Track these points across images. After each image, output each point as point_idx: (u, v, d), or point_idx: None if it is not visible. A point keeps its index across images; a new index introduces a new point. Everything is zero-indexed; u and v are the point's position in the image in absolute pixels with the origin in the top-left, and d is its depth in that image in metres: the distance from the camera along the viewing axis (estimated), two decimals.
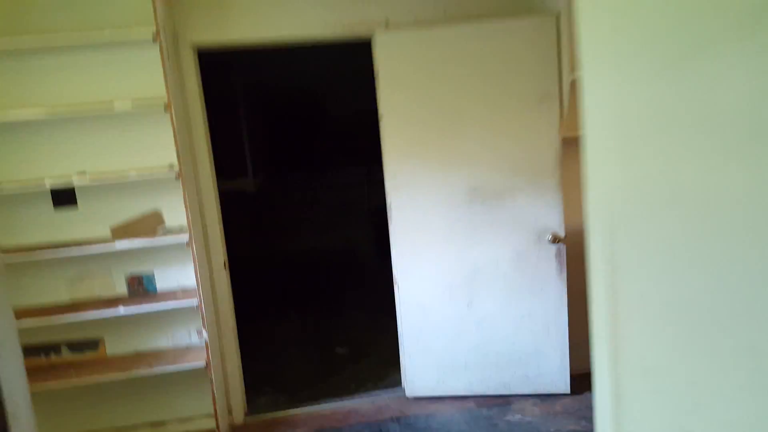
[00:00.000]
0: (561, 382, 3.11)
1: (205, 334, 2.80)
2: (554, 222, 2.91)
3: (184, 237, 2.72)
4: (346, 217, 6.74)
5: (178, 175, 2.65)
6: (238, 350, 3.29)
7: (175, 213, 2.86)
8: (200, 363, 2.81)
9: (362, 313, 5.01)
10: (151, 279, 3.00)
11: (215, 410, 2.86)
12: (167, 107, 2.59)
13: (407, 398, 3.33)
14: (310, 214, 6.69)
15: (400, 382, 3.43)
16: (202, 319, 2.79)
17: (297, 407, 3.36)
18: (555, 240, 2.89)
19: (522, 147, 2.84)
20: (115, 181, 2.71)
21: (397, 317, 3.20)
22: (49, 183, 2.64)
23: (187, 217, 2.68)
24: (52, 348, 2.97)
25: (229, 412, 3.23)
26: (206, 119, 3.03)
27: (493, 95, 2.80)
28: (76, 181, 2.66)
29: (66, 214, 2.88)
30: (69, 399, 3.00)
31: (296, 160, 6.79)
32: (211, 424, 3.00)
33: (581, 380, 3.17)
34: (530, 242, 2.94)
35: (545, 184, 2.87)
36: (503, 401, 3.21)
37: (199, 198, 3.01)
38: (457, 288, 3.03)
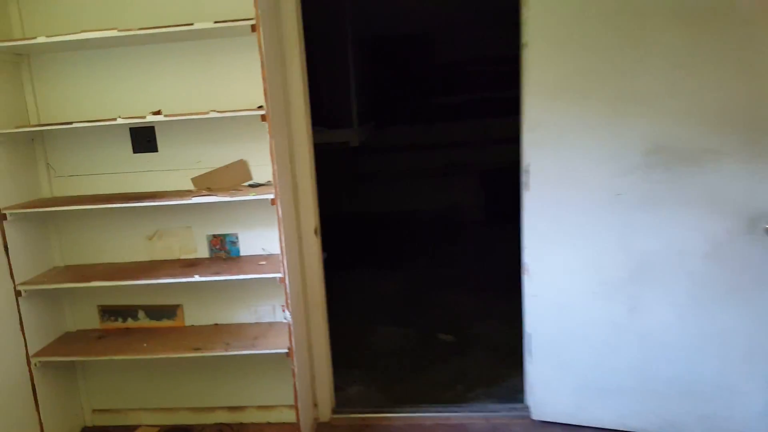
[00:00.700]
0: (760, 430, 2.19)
1: (288, 314, 2.29)
2: None
3: (271, 193, 2.21)
4: (457, 179, 5.94)
5: (265, 116, 2.13)
6: (328, 334, 2.76)
7: (264, 166, 2.36)
8: (282, 349, 2.31)
9: (470, 294, 4.25)
10: (234, 241, 2.55)
11: (296, 404, 2.36)
12: (254, 28, 2.06)
13: (533, 421, 2.59)
14: (418, 173, 5.97)
15: (522, 396, 2.70)
16: (286, 296, 2.28)
17: (392, 410, 2.77)
18: None
19: (736, 87, 1.93)
20: (194, 119, 2.25)
21: (523, 312, 2.46)
22: (122, 120, 2.25)
23: (273, 170, 2.16)
24: (130, 312, 2.65)
25: (315, 405, 2.73)
26: (303, 52, 2.48)
27: (693, 7, 1.93)
28: (151, 119, 2.24)
29: (145, 160, 2.51)
30: (143, 367, 2.68)
31: (405, 111, 6.04)
32: (293, 416, 2.51)
33: None
34: (736, 230, 2.03)
35: (763, 144, 1.95)
36: None
37: (290, 148, 2.48)
38: (616, 286, 2.21)
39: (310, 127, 2.53)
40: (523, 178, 2.27)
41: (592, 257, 2.21)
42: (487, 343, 3.44)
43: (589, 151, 2.13)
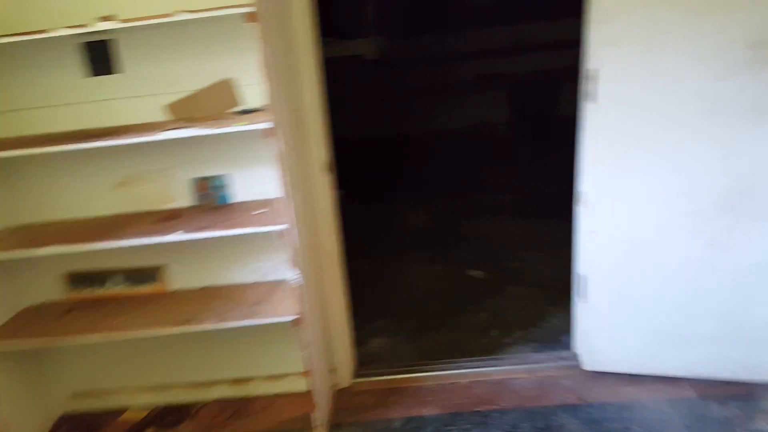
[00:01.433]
0: None
1: (296, 273, 1.84)
2: None
3: (266, 121, 1.70)
4: (489, 92, 5.28)
5: (253, 15, 1.59)
6: (346, 291, 2.34)
7: (256, 85, 1.84)
8: (288, 316, 1.88)
9: (510, 222, 3.80)
10: (223, 185, 2.06)
11: (309, 376, 1.96)
12: None
13: (584, 371, 2.25)
14: (445, 88, 5.25)
15: (568, 340, 2.34)
16: (292, 252, 1.83)
17: (422, 368, 2.40)
18: None
19: None
20: (158, 23, 1.69)
21: (574, 248, 2.06)
22: (66, 31, 1.68)
23: (268, 89, 1.65)
24: (102, 277, 2.17)
25: (331, 371, 2.34)
26: None
27: None
28: (102, 26, 1.68)
29: (104, 86, 1.96)
30: (127, 340, 2.23)
31: (431, 17, 5.21)
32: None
33: None
34: None
35: None
36: (743, 391, 2.02)
37: (292, 61, 1.95)
38: (707, 217, 1.80)
39: (317, 33, 1.98)
40: (587, 87, 1.78)
41: (678, 182, 1.78)
42: (527, 278, 3.05)
43: (680, 48, 1.64)
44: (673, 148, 1.73)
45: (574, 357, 2.29)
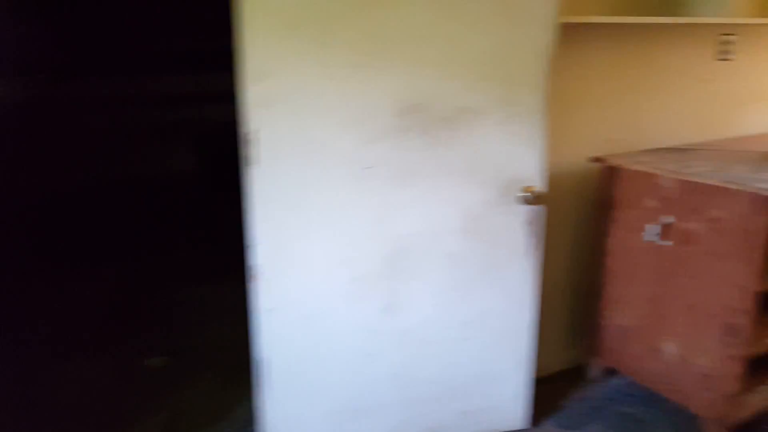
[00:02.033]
0: (515, 414, 2.07)
1: None
2: (530, 168, 1.80)
3: None
4: (165, 145, 4.71)
5: None
6: None
7: None
8: None
9: (191, 284, 3.37)
10: None
11: None
12: None
13: None
14: (110, 140, 4.52)
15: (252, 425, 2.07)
16: None
17: None
18: (529, 197, 1.78)
19: (497, 33, 1.64)
20: None
21: (252, 330, 1.82)
22: None
23: None
24: None
25: None
26: None
27: None
28: None
29: None
30: None
31: (90, 58, 4.51)
32: None
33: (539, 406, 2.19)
34: (491, 200, 1.78)
35: (523, 104, 1.73)
36: None
37: None
38: (371, 282, 1.75)
39: None
40: (249, 149, 1.59)
41: (343, 249, 1.70)
42: (217, 359, 2.65)
43: (334, 112, 1.57)
44: (334, 214, 1.65)
45: None
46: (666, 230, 2.04)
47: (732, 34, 2.49)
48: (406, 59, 1.58)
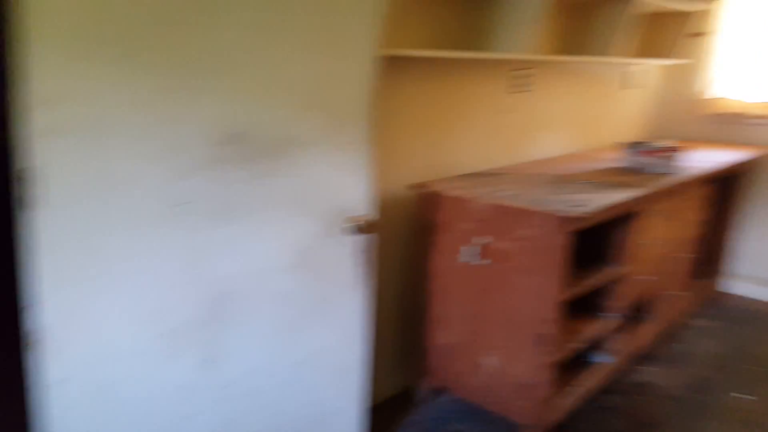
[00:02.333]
0: None
1: None
2: (358, 197, 1.74)
3: None
4: None
5: None
6: None
7: None
8: None
9: None
10: None
11: None
12: None
13: None
14: None
15: None
16: None
17: None
18: (359, 226, 1.73)
19: (317, 65, 1.56)
20: None
21: (35, 406, 1.46)
22: None
23: None
24: None
25: None
26: None
27: None
28: None
29: None
30: None
31: None
32: None
33: None
34: (320, 232, 1.69)
35: (348, 134, 1.67)
36: None
37: None
38: (187, 333, 1.52)
39: None
40: (29, 189, 1.26)
41: (151, 300, 1.44)
42: None
43: (141, 142, 1.32)
44: (141, 260, 1.40)
45: None
46: (484, 250, 2.17)
47: (529, 68, 2.79)
48: (226, 85, 1.41)
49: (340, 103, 1.61)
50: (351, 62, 1.60)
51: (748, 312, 3.60)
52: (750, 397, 2.67)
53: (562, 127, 3.20)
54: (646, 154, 2.72)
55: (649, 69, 3.81)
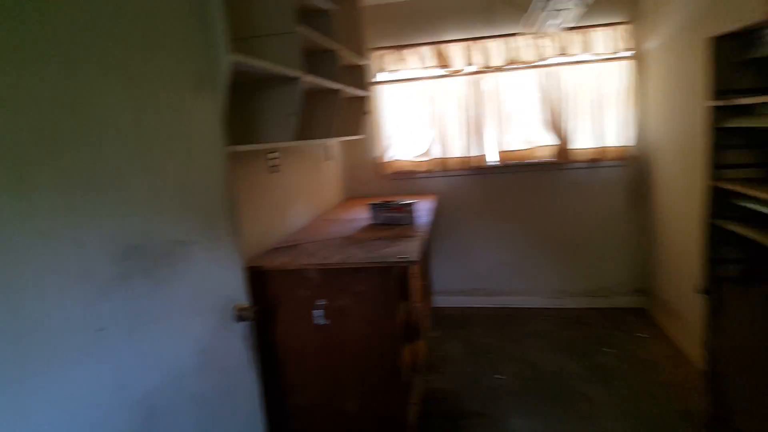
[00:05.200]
0: None
1: None
2: (237, 286, 1.78)
3: None
4: None
5: None
6: None
7: None
8: None
9: None
10: None
11: None
12: None
13: None
14: None
15: None
16: None
17: None
18: (242, 314, 1.77)
19: (185, 167, 1.58)
20: None
21: None
22: None
23: None
24: None
25: None
26: None
27: (137, 68, 1.43)
28: None
29: None
30: None
31: None
32: None
33: None
34: (216, 325, 1.67)
35: (219, 228, 1.71)
36: None
37: None
38: None
39: None
40: None
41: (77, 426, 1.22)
42: None
43: (49, 270, 1.16)
44: (65, 388, 1.19)
45: None
46: (327, 310, 2.41)
47: (275, 151, 3.16)
48: (116, 198, 1.35)
49: (207, 201, 1.69)
50: (209, 162, 1.70)
51: (457, 318, 4.67)
52: (501, 376, 3.55)
53: (303, 197, 3.67)
54: (396, 210, 3.37)
55: (337, 143, 4.66)
